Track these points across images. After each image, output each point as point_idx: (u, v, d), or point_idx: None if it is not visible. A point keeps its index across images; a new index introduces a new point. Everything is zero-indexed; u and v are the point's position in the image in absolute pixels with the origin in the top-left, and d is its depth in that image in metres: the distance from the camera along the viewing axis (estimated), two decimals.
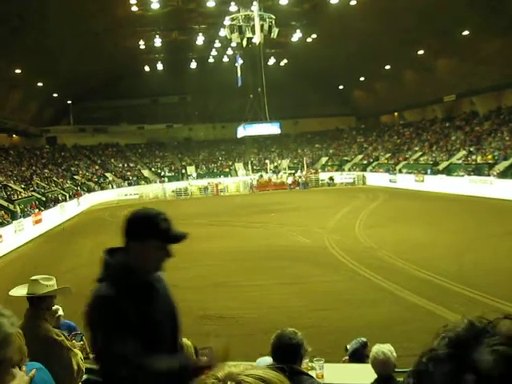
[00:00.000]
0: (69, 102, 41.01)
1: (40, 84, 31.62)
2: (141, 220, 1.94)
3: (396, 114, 44.36)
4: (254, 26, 26.11)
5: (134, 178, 39.96)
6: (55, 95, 36.04)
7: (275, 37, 27.20)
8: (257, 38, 26.34)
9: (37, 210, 24.91)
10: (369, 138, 43.90)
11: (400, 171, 33.86)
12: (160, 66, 41.44)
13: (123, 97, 43.08)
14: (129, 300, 1.83)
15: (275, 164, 42.64)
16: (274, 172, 40.02)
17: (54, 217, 25.47)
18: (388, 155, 38.08)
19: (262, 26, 25.96)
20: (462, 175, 27.23)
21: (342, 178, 37.90)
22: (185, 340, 2.53)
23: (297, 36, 34.12)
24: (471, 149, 29.84)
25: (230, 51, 37.11)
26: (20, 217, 22.02)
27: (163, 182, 39.70)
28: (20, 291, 3.20)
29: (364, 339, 4.67)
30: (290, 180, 37.36)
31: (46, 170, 35.35)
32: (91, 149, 43.64)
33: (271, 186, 37.18)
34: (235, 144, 44.99)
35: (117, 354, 1.75)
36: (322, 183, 37.68)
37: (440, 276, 10.35)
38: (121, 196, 36.21)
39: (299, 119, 46.51)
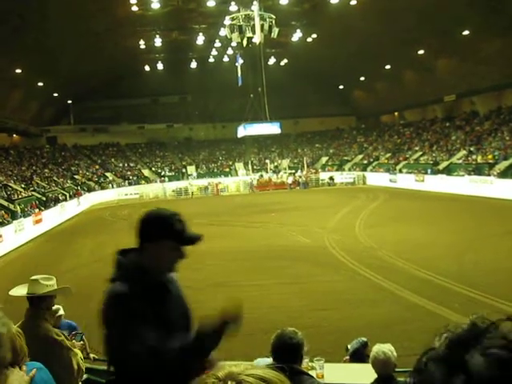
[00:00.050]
0: (69, 101, 41.03)
1: (40, 84, 31.64)
2: (155, 221, 1.93)
3: (396, 113, 44.36)
4: (254, 25, 26.10)
5: (135, 178, 39.97)
6: (55, 95, 36.04)
7: (275, 36, 27.18)
8: (257, 38, 26.33)
9: (37, 209, 24.91)
10: (369, 138, 43.89)
11: (400, 171, 33.86)
12: (160, 66, 41.45)
13: (123, 96, 43.07)
14: (143, 299, 1.82)
15: (275, 164, 42.64)
16: (274, 172, 40.03)
17: (55, 216, 25.49)
18: (388, 155, 38.08)
19: (262, 26, 25.95)
20: (463, 175, 27.23)
21: (342, 177, 37.90)
22: None
23: (297, 36, 34.11)
24: (471, 149, 29.84)
25: (230, 51, 37.10)
26: (20, 216, 22.03)
27: (163, 181, 39.71)
28: (20, 291, 3.20)
29: (365, 339, 4.67)
30: (290, 180, 37.36)
31: (46, 170, 35.36)
32: (91, 148, 43.65)
33: (271, 185, 37.18)
34: (235, 144, 44.99)
35: (133, 352, 1.74)
36: (322, 183, 37.68)
37: (440, 276, 10.35)
38: (121, 196, 36.23)
39: (299, 119, 46.51)
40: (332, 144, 45.80)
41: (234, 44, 32.64)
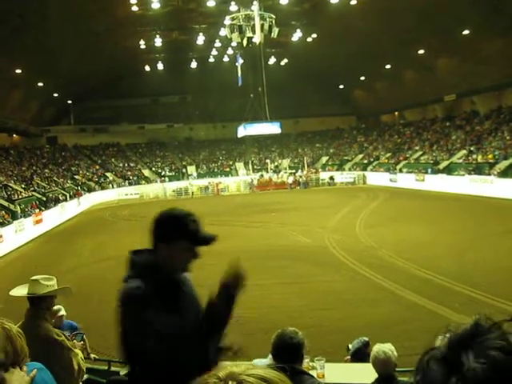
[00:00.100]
0: (69, 101, 41.03)
1: (40, 84, 31.64)
2: (169, 221, 1.92)
3: (396, 113, 44.33)
4: (254, 25, 26.11)
5: (135, 178, 39.98)
6: (56, 95, 36.05)
7: (275, 36, 27.19)
8: (257, 38, 26.33)
9: (37, 209, 24.92)
10: (369, 138, 43.88)
11: (400, 170, 33.85)
12: (160, 66, 41.46)
13: (124, 96, 43.07)
14: (157, 297, 1.82)
15: (276, 163, 42.65)
16: (274, 171, 40.04)
17: (55, 217, 25.49)
18: (388, 155, 38.07)
19: (262, 26, 25.95)
20: (463, 174, 27.23)
21: (342, 177, 37.90)
22: None
23: (297, 36, 34.10)
24: (472, 148, 29.83)
25: (230, 51, 37.12)
26: (20, 217, 22.03)
27: (164, 181, 39.72)
28: (20, 291, 3.20)
29: (366, 338, 4.67)
30: (290, 179, 37.36)
31: (46, 170, 35.36)
32: (92, 149, 43.65)
33: (272, 185, 37.18)
34: (236, 144, 44.99)
35: (151, 349, 1.74)
36: (322, 183, 37.68)
37: (440, 275, 10.35)
38: (121, 196, 36.24)
39: (299, 119, 46.50)
40: (332, 144, 45.80)
41: (234, 44, 32.66)
